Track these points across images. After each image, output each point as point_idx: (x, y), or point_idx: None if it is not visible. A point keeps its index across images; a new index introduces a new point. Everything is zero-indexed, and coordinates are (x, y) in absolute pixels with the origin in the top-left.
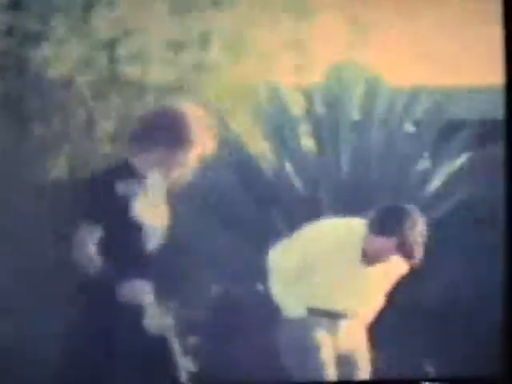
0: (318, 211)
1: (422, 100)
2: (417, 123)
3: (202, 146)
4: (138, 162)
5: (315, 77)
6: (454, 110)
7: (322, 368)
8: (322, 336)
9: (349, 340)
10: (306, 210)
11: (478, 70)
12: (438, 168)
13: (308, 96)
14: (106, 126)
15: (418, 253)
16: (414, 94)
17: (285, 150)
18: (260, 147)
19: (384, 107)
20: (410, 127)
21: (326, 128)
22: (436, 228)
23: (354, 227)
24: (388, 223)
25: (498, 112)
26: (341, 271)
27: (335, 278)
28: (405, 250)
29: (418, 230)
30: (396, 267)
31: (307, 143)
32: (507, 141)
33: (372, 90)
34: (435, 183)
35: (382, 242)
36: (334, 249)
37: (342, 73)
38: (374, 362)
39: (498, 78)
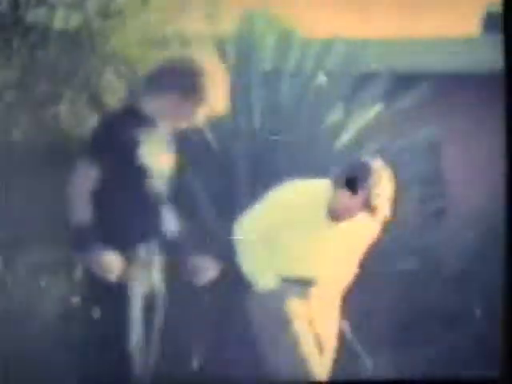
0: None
1: (334, 51)
2: (329, 74)
3: (212, 105)
4: (148, 107)
5: (227, 26)
6: (367, 61)
7: (297, 343)
8: (294, 307)
9: (320, 309)
10: (219, 164)
11: (391, 21)
12: (350, 120)
13: (220, 46)
14: (8, 74)
15: (385, 209)
16: (327, 45)
17: None
18: None
19: (297, 58)
20: (322, 78)
21: (238, 79)
22: None
23: (318, 187)
24: (352, 178)
25: (413, 64)
26: (309, 234)
27: (304, 242)
28: (370, 206)
29: (384, 185)
30: (365, 228)
31: None
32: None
33: (285, 40)
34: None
35: (346, 197)
36: (299, 212)
37: (255, 22)
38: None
39: (413, 30)
